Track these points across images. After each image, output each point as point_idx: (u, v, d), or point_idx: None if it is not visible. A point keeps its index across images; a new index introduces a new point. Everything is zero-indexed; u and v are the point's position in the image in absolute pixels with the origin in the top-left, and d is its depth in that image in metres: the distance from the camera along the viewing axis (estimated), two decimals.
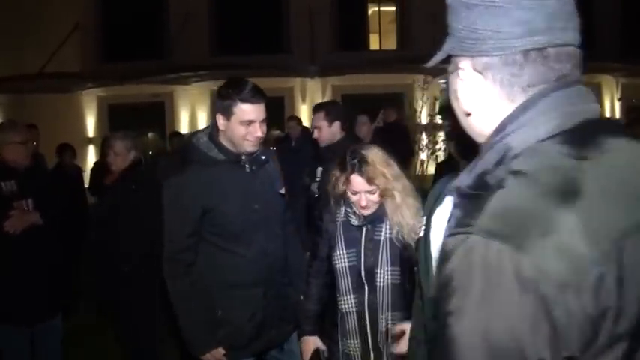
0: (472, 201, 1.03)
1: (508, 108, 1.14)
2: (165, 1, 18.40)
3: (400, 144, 8.04)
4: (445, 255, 1.01)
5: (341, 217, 3.06)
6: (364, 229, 3.01)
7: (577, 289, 0.91)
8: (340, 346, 3.08)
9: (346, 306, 3.02)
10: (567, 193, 0.96)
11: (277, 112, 14.82)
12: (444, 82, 1.31)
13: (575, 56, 1.14)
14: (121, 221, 4.57)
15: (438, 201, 2.25)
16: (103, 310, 5.66)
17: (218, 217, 3.14)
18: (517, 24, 1.09)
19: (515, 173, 1.01)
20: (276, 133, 11.37)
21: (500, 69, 1.12)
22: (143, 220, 4.38)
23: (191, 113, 18.45)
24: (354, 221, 3.01)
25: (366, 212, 2.94)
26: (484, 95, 1.16)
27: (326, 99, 18.91)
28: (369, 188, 2.87)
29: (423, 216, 2.37)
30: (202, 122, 18.14)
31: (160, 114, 18.49)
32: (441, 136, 18.21)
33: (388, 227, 2.95)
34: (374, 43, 20.81)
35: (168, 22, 18.14)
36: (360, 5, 20.24)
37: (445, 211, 2.14)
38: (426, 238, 2.22)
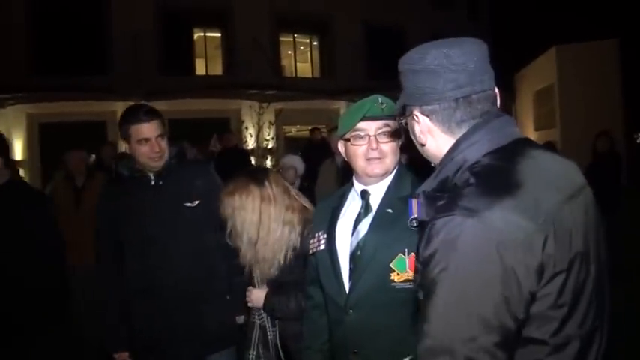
0: (446, 196, 1.51)
1: (449, 138, 1.66)
2: None
3: (242, 168, 8.24)
4: (434, 232, 1.47)
5: None
6: None
7: (528, 247, 1.40)
8: None
9: None
10: (509, 185, 1.46)
11: (99, 138, 14.20)
12: (404, 122, 1.80)
13: (493, 96, 1.67)
14: None
15: (335, 216, 2.52)
16: None
17: (123, 228, 3.40)
18: (448, 82, 1.60)
19: (476, 174, 1.51)
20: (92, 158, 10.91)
21: (440, 113, 1.64)
22: None
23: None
24: None
25: None
26: (432, 131, 1.69)
27: None
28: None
29: (319, 232, 2.56)
30: (18, 148, 17.00)
31: None
32: (269, 160, 18.61)
33: None
34: (200, 68, 20.79)
35: None
36: (185, 30, 20.15)
37: (348, 223, 2.44)
38: (331, 250, 2.45)
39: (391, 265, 2.26)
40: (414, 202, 2.29)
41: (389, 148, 2.38)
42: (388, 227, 2.32)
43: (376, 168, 2.37)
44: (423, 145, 1.73)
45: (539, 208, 1.45)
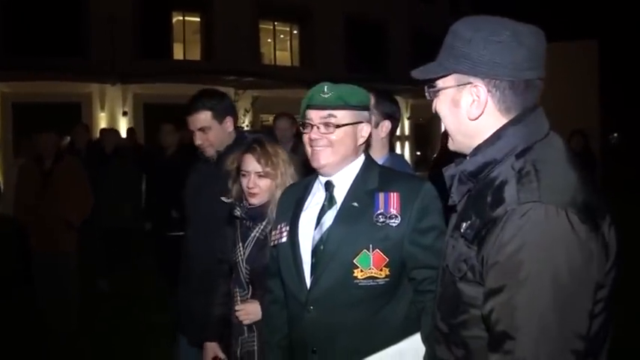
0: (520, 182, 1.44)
1: (501, 118, 1.57)
2: None
3: None
4: (517, 219, 1.36)
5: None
6: (244, 223, 2.95)
7: (600, 235, 1.39)
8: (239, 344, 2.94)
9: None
10: (574, 181, 1.45)
11: (73, 120, 13.94)
12: (432, 91, 1.69)
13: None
14: None
15: (298, 208, 2.40)
16: None
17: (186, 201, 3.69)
18: (526, 60, 1.52)
19: (540, 161, 1.47)
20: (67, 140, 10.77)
21: (507, 91, 1.54)
22: None
23: None
24: (236, 211, 2.96)
25: (253, 200, 2.89)
26: (488, 107, 1.57)
27: (127, 107, 18.32)
28: (258, 169, 2.85)
29: (282, 224, 2.43)
30: None
31: None
32: None
33: (263, 226, 2.89)
34: (178, 53, 20.57)
35: None
36: (163, 13, 19.91)
37: (311, 216, 2.33)
38: (293, 243, 2.33)
39: (354, 262, 2.16)
40: (381, 196, 2.24)
41: (335, 138, 2.26)
42: (353, 221, 2.22)
43: (318, 158, 2.27)
44: (472, 120, 1.61)
45: (600, 204, 1.46)
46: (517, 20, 1.59)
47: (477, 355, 1.50)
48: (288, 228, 2.39)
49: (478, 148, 1.61)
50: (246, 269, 2.89)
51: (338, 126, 2.27)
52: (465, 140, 1.66)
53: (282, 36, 23.55)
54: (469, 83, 1.58)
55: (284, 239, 2.40)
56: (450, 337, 1.62)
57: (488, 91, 1.56)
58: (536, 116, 1.57)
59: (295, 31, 23.39)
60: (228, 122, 3.51)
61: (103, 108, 18.10)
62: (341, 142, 2.28)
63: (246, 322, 2.85)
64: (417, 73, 1.70)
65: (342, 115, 2.27)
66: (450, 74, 1.62)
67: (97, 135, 11.72)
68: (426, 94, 1.72)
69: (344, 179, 2.33)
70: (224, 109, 3.51)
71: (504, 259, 1.37)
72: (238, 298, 2.92)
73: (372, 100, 2.87)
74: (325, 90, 2.25)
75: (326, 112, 2.26)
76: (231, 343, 2.97)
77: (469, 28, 1.58)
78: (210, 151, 3.47)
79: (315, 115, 2.27)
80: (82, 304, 6.38)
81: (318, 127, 2.27)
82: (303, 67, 22.32)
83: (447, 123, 1.68)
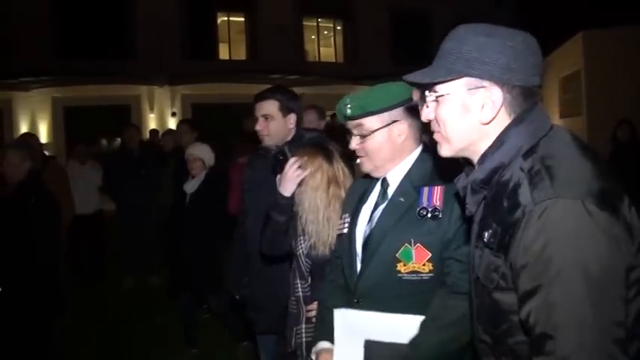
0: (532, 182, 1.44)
1: (505, 122, 1.58)
2: (2, 1, 17.18)
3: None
4: (536, 219, 1.37)
5: None
6: None
7: (623, 221, 1.39)
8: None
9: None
10: (590, 170, 1.45)
11: (124, 122, 14.24)
12: (438, 95, 1.63)
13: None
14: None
15: (362, 201, 2.46)
16: None
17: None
18: (535, 67, 1.57)
19: (548, 157, 1.47)
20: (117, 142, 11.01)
21: (518, 95, 1.57)
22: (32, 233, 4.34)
23: (31, 121, 17.33)
24: None
25: None
26: (500, 111, 1.58)
27: (175, 108, 18.61)
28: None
29: (346, 214, 2.52)
30: (43, 130, 17.17)
31: None
32: None
33: None
34: (223, 53, 20.79)
35: (6, 25, 16.71)
36: (208, 14, 20.14)
37: (368, 209, 2.40)
38: (350, 235, 2.41)
39: (397, 256, 2.19)
40: (425, 190, 2.25)
41: (370, 147, 2.34)
42: (397, 216, 2.25)
43: (362, 168, 2.40)
44: (484, 124, 1.60)
45: (617, 187, 1.46)
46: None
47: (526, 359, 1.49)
48: (349, 220, 2.47)
49: (485, 155, 1.61)
50: (306, 262, 2.96)
51: (369, 134, 2.33)
52: (466, 146, 1.65)
53: (325, 32, 23.55)
54: (482, 87, 1.57)
55: (345, 230, 2.47)
56: (496, 348, 1.61)
57: (502, 94, 1.56)
58: (537, 113, 1.59)
59: (339, 27, 23.35)
60: (291, 119, 3.58)
61: (152, 109, 18.43)
62: (376, 149, 2.34)
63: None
64: (416, 77, 1.66)
65: (370, 123, 2.33)
66: (459, 78, 1.59)
67: (147, 136, 12.00)
68: (426, 99, 1.68)
69: (397, 175, 2.36)
70: (291, 106, 3.59)
71: (532, 260, 1.38)
72: (299, 289, 3.00)
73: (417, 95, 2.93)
74: (347, 102, 2.33)
75: (355, 122, 2.35)
76: (285, 332, 3.04)
77: (480, 33, 1.58)
78: (267, 141, 3.56)
79: (350, 127, 2.38)
80: (136, 298, 6.49)
81: (355, 138, 2.37)
82: (348, 62, 22.30)
83: (451, 128, 1.65)
